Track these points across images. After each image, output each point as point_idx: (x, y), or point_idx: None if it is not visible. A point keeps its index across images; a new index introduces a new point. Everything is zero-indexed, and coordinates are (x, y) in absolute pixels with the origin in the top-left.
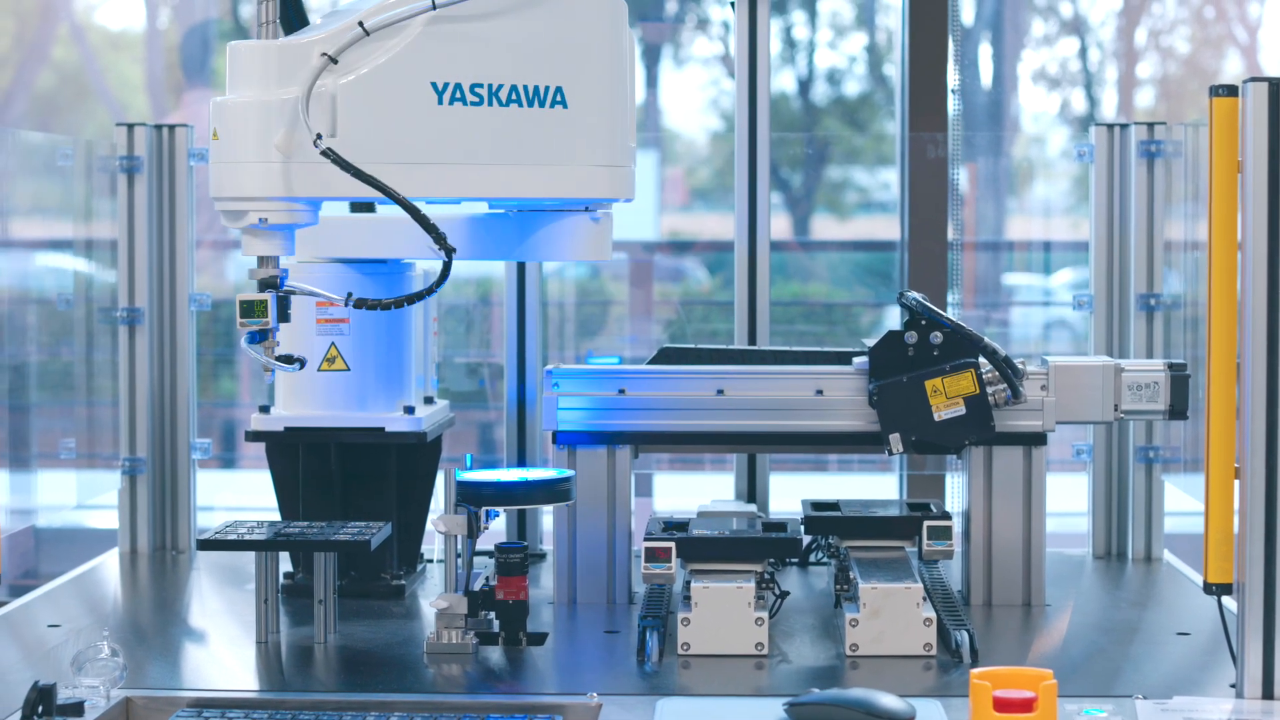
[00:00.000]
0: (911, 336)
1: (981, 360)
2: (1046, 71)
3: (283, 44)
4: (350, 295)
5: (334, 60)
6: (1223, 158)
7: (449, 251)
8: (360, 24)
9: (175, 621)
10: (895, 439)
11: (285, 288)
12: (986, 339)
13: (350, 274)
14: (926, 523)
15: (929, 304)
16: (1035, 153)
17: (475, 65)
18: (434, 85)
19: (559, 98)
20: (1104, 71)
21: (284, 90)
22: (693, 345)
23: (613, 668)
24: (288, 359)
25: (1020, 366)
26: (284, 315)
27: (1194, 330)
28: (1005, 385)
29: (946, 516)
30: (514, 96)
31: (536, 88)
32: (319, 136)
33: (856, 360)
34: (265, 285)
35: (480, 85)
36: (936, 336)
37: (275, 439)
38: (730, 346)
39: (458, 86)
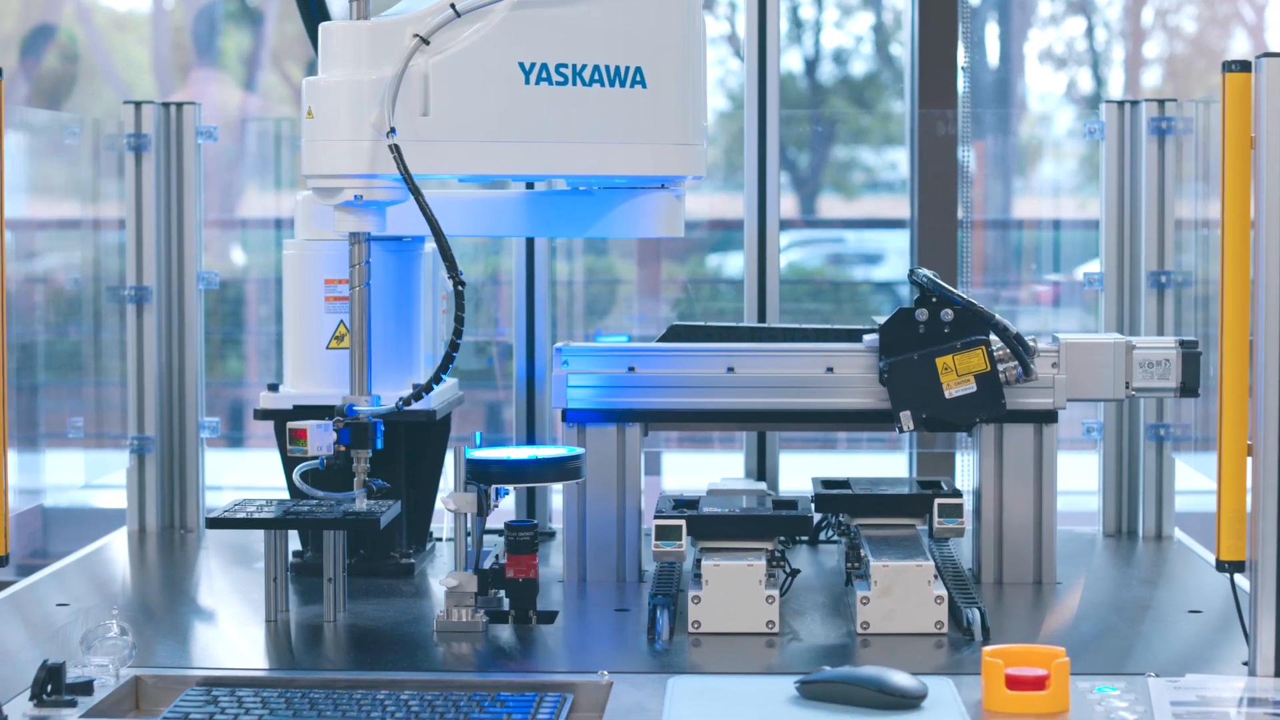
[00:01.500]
0: (922, 314)
1: (993, 337)
2: (1053, 51)
3: (374, 24)
4: (400, 400)
5: (426, 41)
6: (1235, 134)
7: (460, 283)
8: (452, 5)
9: (184, 600)
10: (906, 416)
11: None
12: (998, 315)
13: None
14: (937, 500)
15: (940, 281)
16: (1042, 132)
17: (560, 46)
18: (521, 65)
19: (639, 77)
20: (1110, 51)
21: (375, 70)
22: (702, 323)
23: (623, 646)
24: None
25: (1032, 344)
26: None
27: (1205, 308)
28: (1016, 362)
29: (957, 494)
30: (596, 76)
31: (618, 68)
32: (392, 130)
33: (867, 338)
34: (337, 415)
35: (565, 65)
36: (947, 314)
37: (284, 417)
38: (740, 324)
39: (544, 66)
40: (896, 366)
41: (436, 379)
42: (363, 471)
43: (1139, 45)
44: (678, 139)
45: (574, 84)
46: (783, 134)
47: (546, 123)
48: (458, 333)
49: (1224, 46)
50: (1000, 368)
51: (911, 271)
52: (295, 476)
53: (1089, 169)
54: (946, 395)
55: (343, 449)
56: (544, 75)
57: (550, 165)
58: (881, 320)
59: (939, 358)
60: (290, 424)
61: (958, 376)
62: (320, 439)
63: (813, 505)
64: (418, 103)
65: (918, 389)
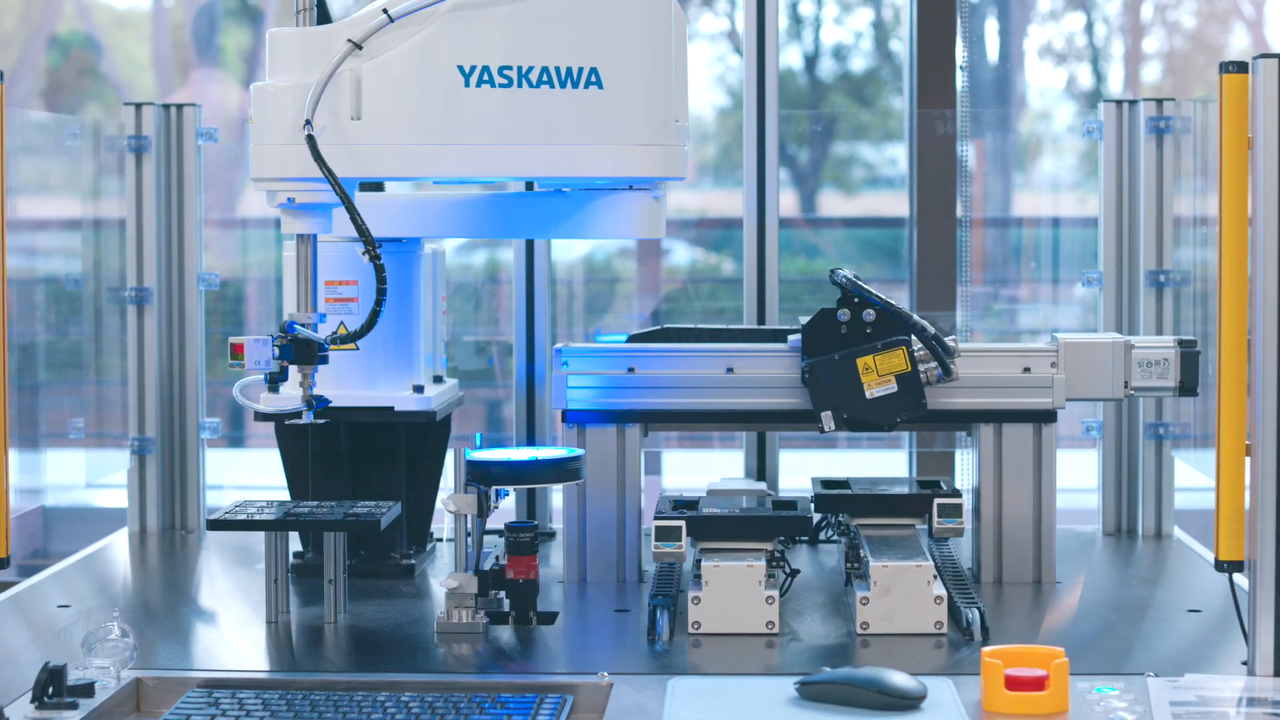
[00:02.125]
0: (844, 314)
1: (914, 338)
2: (1053, 47)
3: (309, 31)
4: (332, 335)
5: (358, 46)
6: (1233, 134)
7: (380, 268)
8: (385, 11)
9: (185, 602)
10: (827, 417)
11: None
12: (916, 317)
13: (358, 252)
14: (937, 500)
15: (860, 282)
16: (1042, 128)
17: (503, 48)
18: (460, 68)
19: (594, 78)
20: (1110, 46)
21: (308, 75)
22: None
23: (623, 647)
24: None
25: (951, 344)
26: (307, 358)
27: (1203, 306)
28: (937, 363)
29: (957, 494)
30: (545, 78)
31: (569, 69)
32: (308, 122)
33: (791, 338)
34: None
35: (509, 68)
36: (869, 314)
37: (285, 418)
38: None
39: (485, 69)
40: (818, 367)
41: (363, 332)
42: (305, 386)
43: (1138, 40)
44: (643, 139)
45: (520, 85)
46: (782, 131)
47: (489, 125)
48: (379, 301)
49: (1223, 42)
50: (921, 368)
51: (832, 272)
52: (235, 390)
53: (1089, 165)
54: (867, 395)
55: (284, 364)
56: (485, 78)
57: (494, 168)
58: (806, 321)
59: (860, 358)
60: (231, 339)
61: (879, 377)
62: (257, 354)
63: (812, 505)
64: (349, 106)
65: (839, 389)
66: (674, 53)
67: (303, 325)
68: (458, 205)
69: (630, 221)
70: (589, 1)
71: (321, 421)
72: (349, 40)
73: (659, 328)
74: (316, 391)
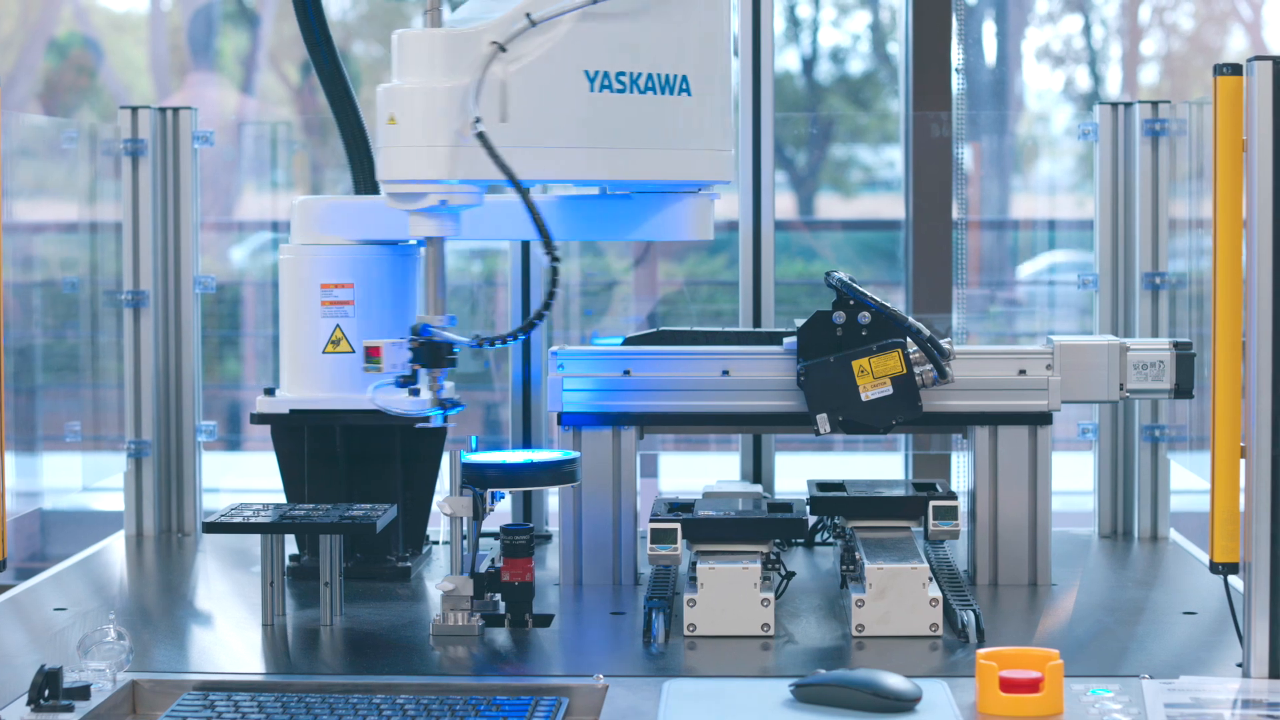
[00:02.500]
0: (839, 317)
1: (909, 340)
2: (1050, 49)
3: (448, 33)
4: (477, 337)
5: (503, 49)
6: (1227, 136)
7: (555, 259)
8: (528, 15)
9: (181, 604)
10: (823, 419)
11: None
12: (911, 319)
13: (357, 254)
14: (932, 503)
15: (854, 284)
16: (1039, 130)
17: (618, 56)
18: (586, 73)
19: (684, 85)
20: (1108, 48)
21: (449, 78)
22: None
23: (619, 649)
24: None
25: (946, 347)
26: (437, 360)
27: (1199, 308)
28: (932, 366)
29: (952, 496)
30: (649, 84)
31: (667, 76)
32: (477, 120)
33: (786, 340)
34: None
35: (623, 74)
36: (864, 317)
37: (280, 421)
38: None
39: (605, 74)
40: (813, 369)
41: (522, 331)
42: (434, 390)
43: (1136, 43)
44: (717, 145)
45: (630, 91)
46: (780, 133)
47: (608, 129)
48: (547, 304)
49: (1221, 44)
50: (916, 371)
51: (828, 274)
52: (369, 392)
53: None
54: (863, 398)
55: (415, 367)
56: (606, 83)
57: (613, 171)
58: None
59: (855, 360)
60: (366, 341)
61: (874, 379)
62: (395, 357)
63: (808, 508)
64: (496, 109)
65: (834, 392)
66: (731, 63)
67: (436, 327)
68: (519, 208)
69: (690, 223)
70: (682, 11)
71: (451, 425)
72: (494, 43)
73: (655, 330)
74: (445, 395)
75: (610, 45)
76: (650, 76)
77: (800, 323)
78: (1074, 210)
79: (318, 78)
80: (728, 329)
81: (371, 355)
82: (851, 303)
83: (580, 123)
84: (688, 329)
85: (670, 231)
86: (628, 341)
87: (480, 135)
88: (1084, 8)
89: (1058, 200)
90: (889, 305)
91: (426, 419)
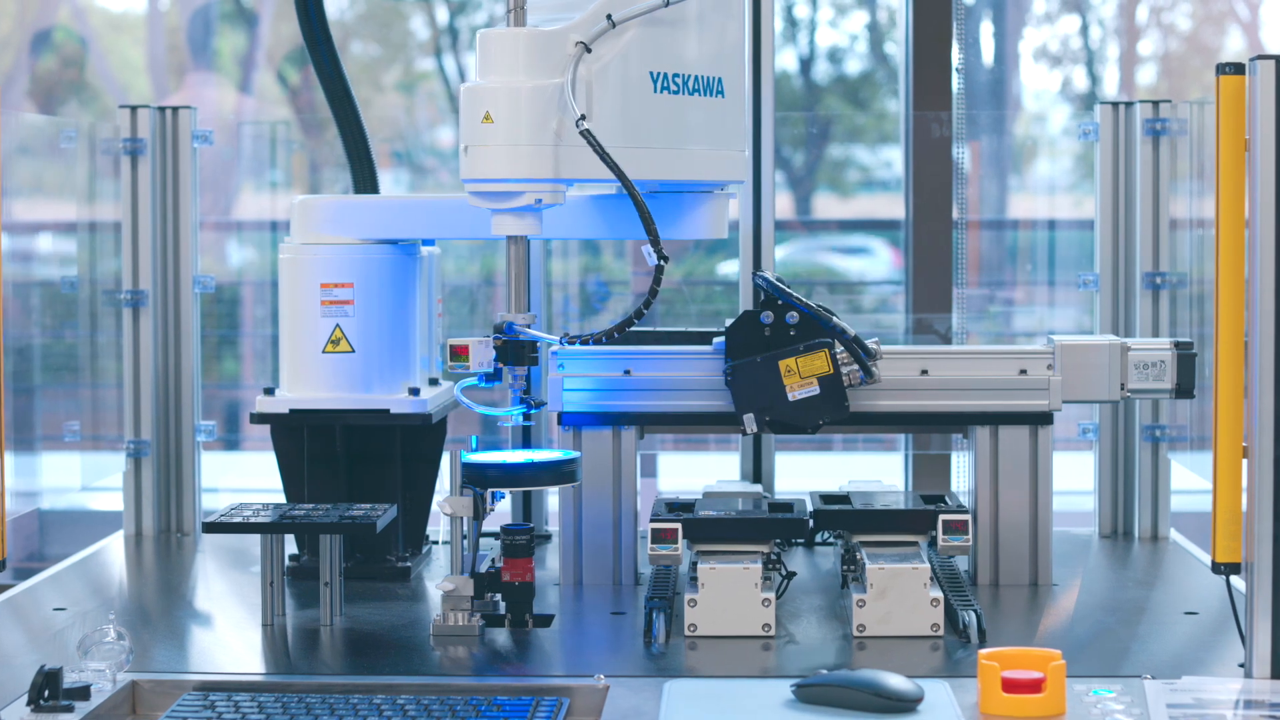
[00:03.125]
0: (767, 317)
1: (836, 341)
2: (1048, 49)
3: (533, 32)
4: (566, 335)
5: (589, 49)
6: (1229, 136)
7: (664, 258)
8: (609, 16)
9: (181, 604)
10: (749, 419)
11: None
12: (837, 319)
13: (357, 254)
14: (942, 517)
15: (780, 284)
16: (1037, 130)
17: (674, 57)
18: (651, 74)
19: (720, 87)
20: (1105, 49)
21: (533, 77)
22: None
23: (619, 649)
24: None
25: (873, 347)
26: (519, 359)
27: (1199, 308)
28: (859, 366)
29: (962, 510)
30: (696, 86)
31: (708, 78)
32: (582, 117)
33: (716, 340)
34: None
35: (679, 75)
36: (793, 317)
37: (280, 421)
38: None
39: (665, 75)
40: (740, 369)
41: (619, 329)
42: (519, 388)
43: (1134, 43)
44: (740, 145)
45: (683, 93)
46: (778, 133)
47: (666, 129)
48: (648, 303)
49: (1219, 44)
50: (843, 370)
51: (755, 274)
52: (456, 391)
53: (1084, 167)
54: (790, 397)
55: (499, 365)
56: (665, 84)
57: (672, 170)
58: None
59: (782, 360)
60: (451, 340)
61: (800, 379)
62: (481, 355)
63: (810, 522)
64: (582, 108)
65: (761, 391)
66: None
67: (522, 326)
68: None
69: (707, 222)
70: (719, 15)
71: (528, 423)
72: (580, 43)
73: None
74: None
75: (668, 48)
76: (697, 78)
77: (729, 323)
78: (1072, 210)
79: (317, 77)
80: (690, 329)
81: (458, 353)
82: (779, 303)
83: (646, 122)
84: (650, 329)
85: (689, 230)
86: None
87: (587, 133)
88: (1081, 8)
89: (1056, 200)
90: (814, 305)
91: (507, 416)
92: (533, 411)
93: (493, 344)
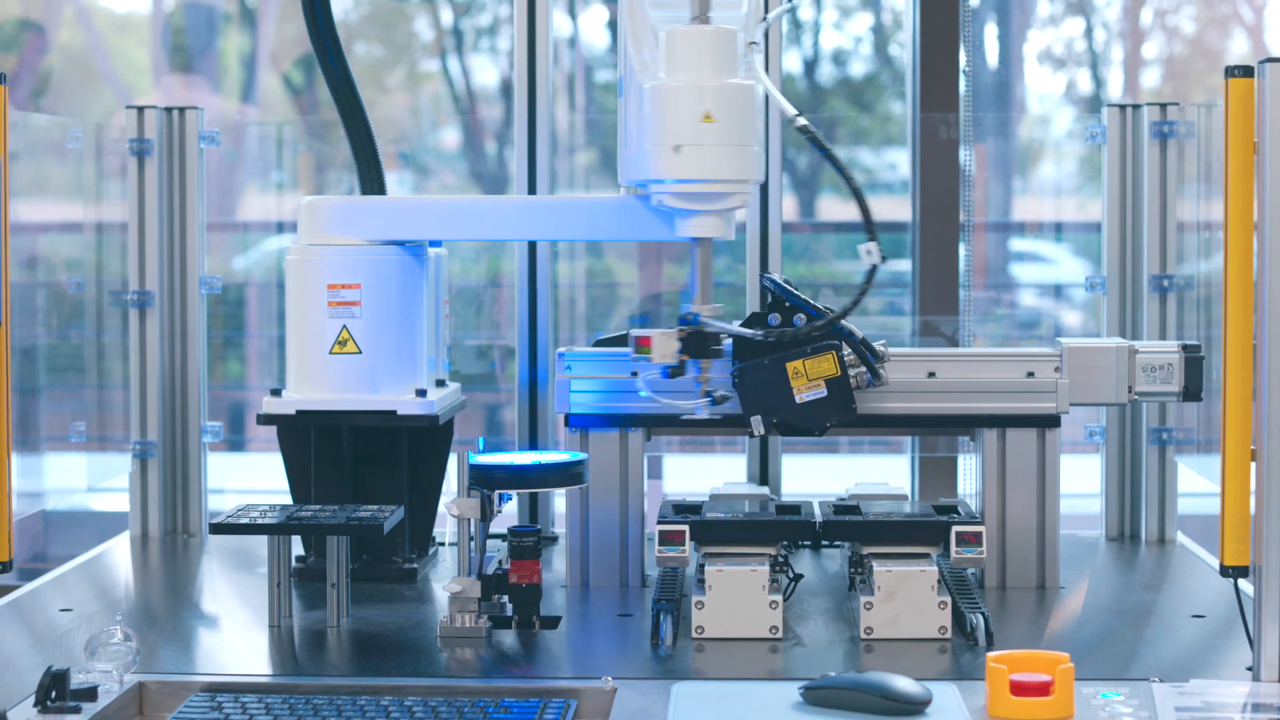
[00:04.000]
0: (774, 319)
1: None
2: (1052, 52)
3: (716, 30)
4: (769, 330)
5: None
6: (1238, 139)
7: (884, 258)
8: (764, 16)
9: (187, 606)
10: (757, 421)
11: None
12: (844, 321)
13: (364, 255)
14: (955, 529)
15: (788, 286)
16: (1041, 133)
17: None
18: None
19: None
20: (1109, 51)
21: (716, 76)
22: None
23: (626, 651)
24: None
25: (880, 349)
26: (703, 351)
27: (1206, 311)
28: (866, 368)
29: (976, 521)
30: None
31: None
32: (799, 114)
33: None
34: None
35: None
36: (800, 319)
37: (287, 422)
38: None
39: None
40: (747, 371)
41: (830, 323)
42: (704, 381)
43: (1138, 46)
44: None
45: None
46: (782, 135)
47: (757, 129)
48: (856, 300)
49: (1223, 47)
50: (851, 373)
51: (761, 276)
52: (639, 382)
53: (1088, 170)
54: (797, 399)
55: (683, 358)
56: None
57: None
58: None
59: (789, 362)
60: (634, 331)
61: (808, 381)
62: (665, 347)
63: (820, 532)
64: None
65: (769, 393)
66: None
67: (709, 317)
68: (578, 208)
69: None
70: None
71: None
72: (751, 43)
73: (624, 333)
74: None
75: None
76: None
77: (738, 324)
78: (1076, 213)
79: (325, 79)
80: None
81: (642, 345)
82: (786, 305)
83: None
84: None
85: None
86: (597, 344)
87: (805, 129)
88: (1086, 11)
89: (1062, 203)
90: (820, 306)
91: (692, 411)
92: (718, 408)
93: (677, 336)
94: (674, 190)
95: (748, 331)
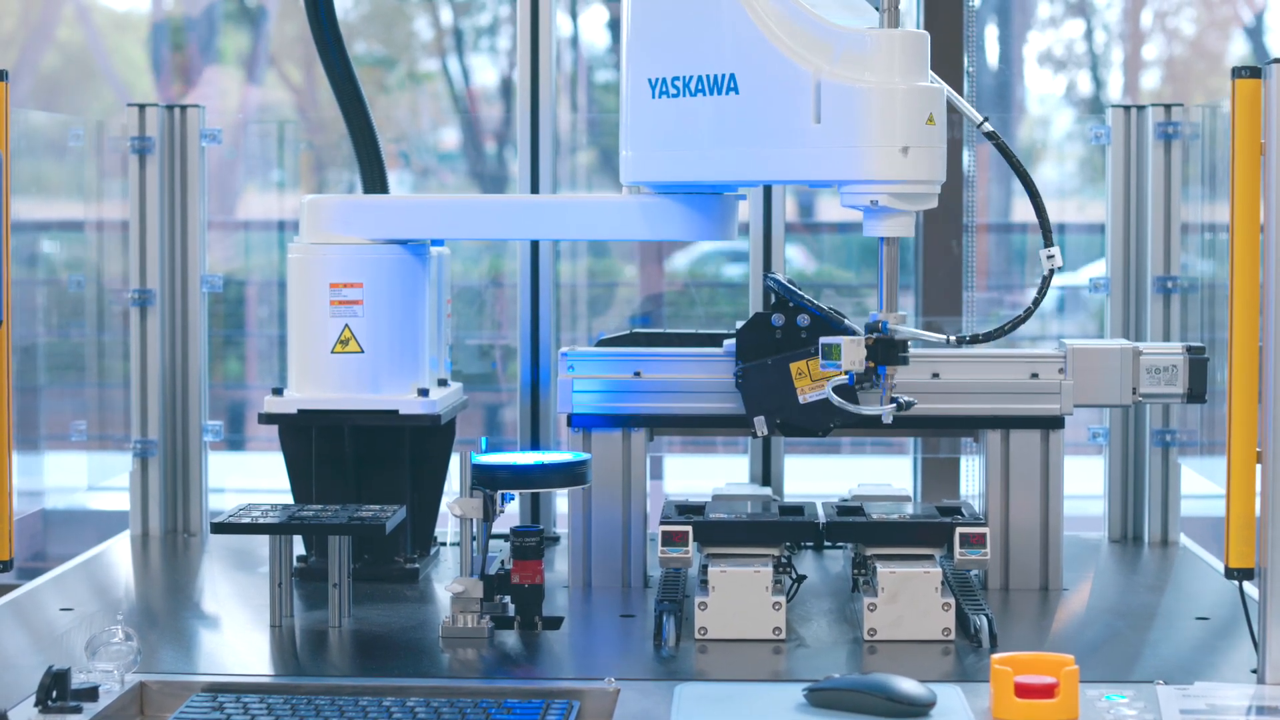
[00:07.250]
0: (778, 319)
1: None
2: (1052, 53)
3: (906, 33)
4: (950, 338)
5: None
6: (1245, 140)
7: (1051, 272)
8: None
9: (188, 605)
10: (760, 421)
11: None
12: (849, 322)
13: (367, 253)
14: (959, 530)
15: (791, 286)
16: (1040, 134)
17: None
18: None
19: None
20: (1110, 53)
21: (905, 79)
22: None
23: (629, 652)
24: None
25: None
26: (890, 358)
27: (1211, 312)
28: None
29: (980, 522)
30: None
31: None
32: (985, 119)
33: (727, 342)
34: (869, 331)
35: None
36: (804, 319)
37: (288, 421)
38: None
39: None
40: (751, 371)
41: (1011, 328)
42: (889, 388)
43: (1138, 47)
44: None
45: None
46: None
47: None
48: (1036, 303)
49: (1223, 49)
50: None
51: (765, 276)
52: (827, 390)
53: (1089, 171)
54: (800, 400)
55: (870, 364)
56: None
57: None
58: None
59: (793, 363)
60: (823, 339)
61: (811, 381)
62: (853, 354)
63: (823, 534)
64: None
65: (772, 394)
66: None
67: (895, 324)
68: (580, 207)
69: (724, 224)
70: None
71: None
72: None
73: (627, 333)
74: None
75: None
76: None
77: (740, 325)
78: (1077, 214)
79: (328, 78)
80: (699, 331)
81: (830, 352)
82: (790, 305)
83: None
84: (660, 330)
85: (708, 232)
86: (599, 344)
87: (992, 134)
88: (1086, 12)
89: (1062, 204)
90: (824, 307)
91: (876, 417)
92: (900, 413)
93: (864, 343)
94: (893, 191)
95: (936, 336)
